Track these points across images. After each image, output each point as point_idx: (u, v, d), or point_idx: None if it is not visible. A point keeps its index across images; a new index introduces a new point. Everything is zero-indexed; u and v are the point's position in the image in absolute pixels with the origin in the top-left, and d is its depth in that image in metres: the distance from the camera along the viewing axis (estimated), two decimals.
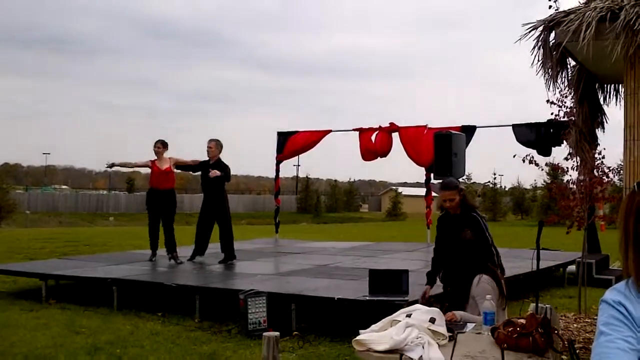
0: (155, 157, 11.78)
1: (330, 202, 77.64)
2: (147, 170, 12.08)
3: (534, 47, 6.42)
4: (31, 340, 7.61)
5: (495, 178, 50.20)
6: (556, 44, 6.15)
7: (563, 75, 6.93)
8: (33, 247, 18.04)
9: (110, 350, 7.19)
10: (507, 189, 57.55)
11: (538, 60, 6.45)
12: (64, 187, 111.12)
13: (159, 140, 11.83)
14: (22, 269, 11.11)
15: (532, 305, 6.22)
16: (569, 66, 6.96)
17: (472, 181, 48.85)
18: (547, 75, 6.51)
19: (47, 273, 10.35)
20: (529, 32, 6.50)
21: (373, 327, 4.68)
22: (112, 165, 11.97)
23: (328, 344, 7.42)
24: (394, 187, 77.61)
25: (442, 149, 7.53)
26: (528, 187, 51.06)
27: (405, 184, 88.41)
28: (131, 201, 72.94)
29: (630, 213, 1.90)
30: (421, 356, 4.22)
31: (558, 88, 7.02)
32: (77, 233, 24.95)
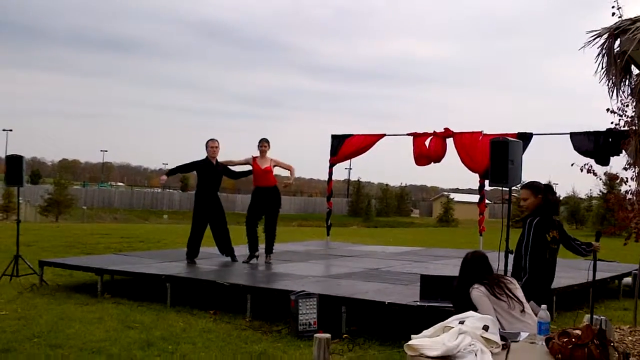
0: (258, 155, 11.79)
1: (381, 206, 77.52)
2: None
3: (598, 55, 6.31)
4: (86, 333, 7.78)
5: (551, 185, 49.30)
6: (621, 52, 6.03)
7: (626, 84, 6.79)
8: (89, 242, 18.45)
9: (163, 346, 7.31)
10: (561, 198, 56.53)
11: (602, 68, 6.34)
12: (120, 184, 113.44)
13: (265, 139, 11.82)
14: (79, 263, 11.36)
15: (587, 316, 6.11)
16: (633, 74, 6.82)
17: None
18: (610, 83, 6.39)
19: (102, 268, 10.58)
20: (594, 39, 6.39)
21: (425, 332, 4.65)
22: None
23: (377, 347, 7.42)
24: (445, 193, 76.97)
25: (498, 155, 7.41)
26: (583, 196, 50.02)
27: (457, 190, 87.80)
28: (185, 199, 73.99)
29: None
30: None
31: (620, 97, 6.88)
32: (132, 229, 25.42)
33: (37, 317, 8.59)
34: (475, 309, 5.17)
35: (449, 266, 11.57)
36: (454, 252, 15.00)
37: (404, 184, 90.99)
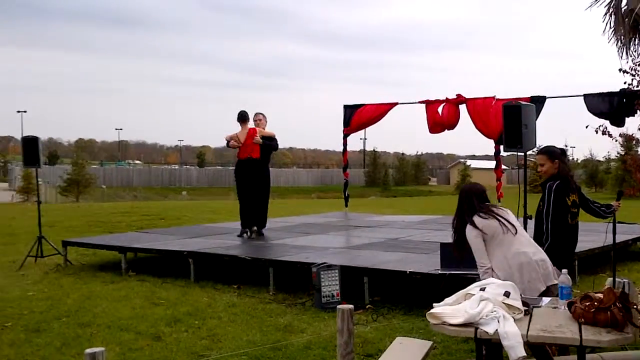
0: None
1: (399, 176, 77.35)
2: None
3: (605, 14, 6.22)
4: (113, 311, 7.92)
5: (567, 150, 49.03)
6: (629, 11, 5.94)
7: (636, 43, 6.69)
8: (111, 221, 18.62)
9: (190, 322, 7.44)
10: (579, 161, 56.16)
11: (610, 28, 6.26)
12: (137, 162, 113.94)
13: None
14: (102, 242, 11.51)
15: (609, 279, 6.11)
16: None
17: None
18: (619, 43, 6.31)
19: (126, 246, 10.71)
20: None
21: (447, 300, 4.69)
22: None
23: (401, 317, 7.49)
24: (462, 160, 76.66)
25: (511, 120, 7.36)
26: (601, 159, 49.66)
27: (474, 157, 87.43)
28: (202, 175, 74.31)
29: None
30: (497, 330, 4.23)
31: (631, 56, 6.80)
32: (152, 207, 25.58)
33: (64, 296, 8.75)
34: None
35: None
36: None
37: (420, 153, 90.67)
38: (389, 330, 6.91)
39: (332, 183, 71.40)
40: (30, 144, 11.72)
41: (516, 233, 5.47)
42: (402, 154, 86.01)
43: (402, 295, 8.32)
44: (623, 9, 6.12)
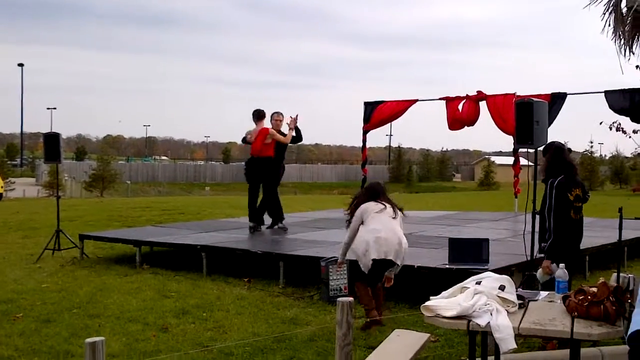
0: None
1: (423, 172, 77.19)
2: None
3: (604, 12, 6.17)
4: (123, 303, 8.04)
5: (592, 147, 48.62)
6: (628, 8, 5.89)
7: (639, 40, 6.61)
8: (131, 215, 18.80)
9: (197, 314, 7.53)
10: (607, 158, 55.64)
11: (609, 26, 6.20)
12: (163, 157, 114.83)
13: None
14: (118, 235, 11.65)
15: (614, 275, 6.08)
16: None
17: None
18: (621, 41, 6.25)
19: (140, 240, 10.85)
20: None
21: (443, 293, 4.72)
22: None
23: (407, 310, 7.51)
24: (487, 157, 76.25)
25: (523, 117, 7.36)
26: (629, 155, 49.16)
27: (500, 153, 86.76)
28: (227, 171, 74.70)
29: None
30: (489, 322, 4.25)
31: (633, 53, 6.71)
32: (172, 202, 25.79)
33: (77, 288, 8.89)
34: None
35: (482, 229, 11.59)
36: (489, 215, 14.96)
37: (445, 149, 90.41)
38: (393, 323, 6.94)
39: (356, 179, 71.20)
40: (51, 140, 11.91)
41: (395, 217, 7.11)
42: (427, 150, 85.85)
43: (411, 290, 8.32)
44: (623, 9, 6.04)
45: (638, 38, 6.53)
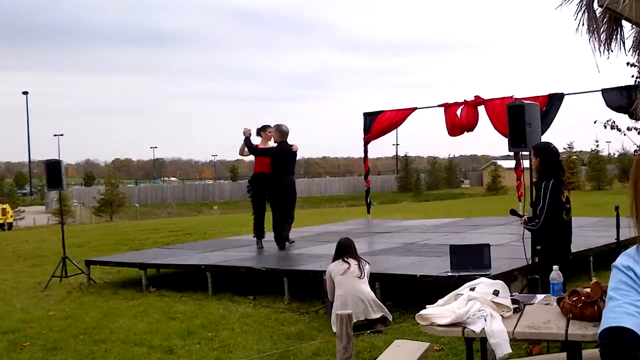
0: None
1: (431, 180, 77.06)
2: (251, 158, 12.28)
3: (577, 12, 6.16)
4: (130, 327, 8.07)
5: (597, 146, 48.49)
6: (600, 6, 5.88)
7: (617, 39, 6.61)
8: (138, 239, 18.89)
9: (203, 334, 7.55)
10: (615, 156, 55.46)
11: (582, 25, 6.20)
12: (172, 178, 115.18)
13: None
14: (124, 259, 11.70)
15: None
16: (624, 28, 6.62)
17: (574, 150, 47.48)
18: (597, 39, 6.26)
19: (145, 262, 10.90)
20: None
21: (439, 301, 4.74)
22: None
23: (412, 320, 7.48)
24: (494, 161, 76.08)
25: (515, 119, 7.42)
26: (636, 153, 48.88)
27: (507, 157, 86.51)
28: (235, 189, 74.78)
29: (638, 178, 1.93)
30: (483, 328, 4.27)
31: (612, 51, 6.70)
32: (180, 223, 25.88)
33: (84, 314, 8.93)
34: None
35: (486, 235, 11.57)
36: (494, 220, 14.94)
37: (453, 155, 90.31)
38: (398, 334, 6.94)
39: (364, 191, 71.33)
40: (52, 167, 12.00)
41: (360, 276, 7.43)
42: (434, 157, 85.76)
43: (415, 299, 8.32)
44: (596, 8, 6.04)
45: (615, 36, 6.53)
